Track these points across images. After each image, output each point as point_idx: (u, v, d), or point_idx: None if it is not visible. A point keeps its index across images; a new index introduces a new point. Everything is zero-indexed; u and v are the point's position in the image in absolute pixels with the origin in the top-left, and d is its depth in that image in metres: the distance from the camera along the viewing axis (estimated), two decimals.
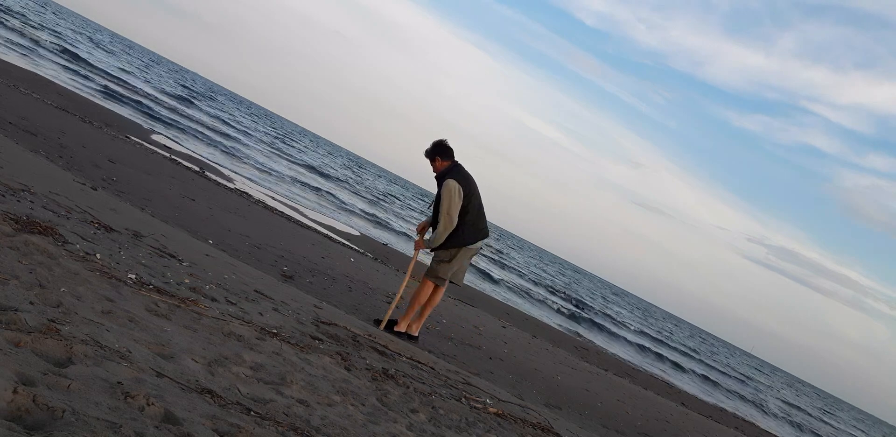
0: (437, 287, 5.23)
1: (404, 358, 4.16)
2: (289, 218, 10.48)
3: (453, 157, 5.21)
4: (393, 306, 5.29)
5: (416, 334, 5.25)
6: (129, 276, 3.26)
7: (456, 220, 5.03)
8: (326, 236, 10.54)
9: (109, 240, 3.80)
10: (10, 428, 1.57)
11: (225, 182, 11.80)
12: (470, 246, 5.18)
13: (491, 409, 3.74)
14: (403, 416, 2.98)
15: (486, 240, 5.32)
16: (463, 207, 5.03)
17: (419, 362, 4.21)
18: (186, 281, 3.68)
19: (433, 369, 4.21)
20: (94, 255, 3.35)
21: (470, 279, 16.37)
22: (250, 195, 11.26)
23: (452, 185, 5.01)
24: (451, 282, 5.32)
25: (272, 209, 10.62)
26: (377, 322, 5.21)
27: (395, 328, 5.16)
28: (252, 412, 2.26)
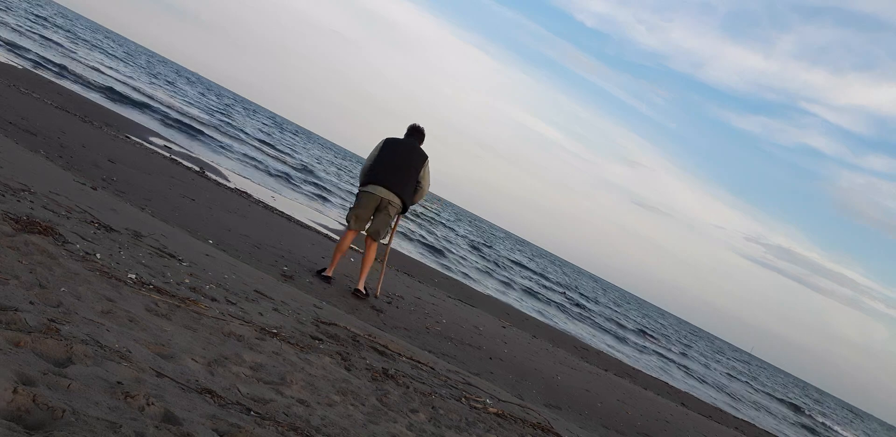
0: (347, 231, 6.10)
1: (404, 358, 4.16)
2: (289, 218, 10.48)
3: (412, 133, 6.27)
4: (381, 276, 6.55)
5: (363, 290, 6.08)
6: (129, 276, 3.26)
7: (367, 163, 6.13)
8: (326, 236, 10.54)
9: (109, 240, 3.79)
10: (9, 428, 1.57)
11: (225, 182, 11.80)
12: (368, 191, 5.98)
13: (491, 409, 3.74)
14: (403, 416, 2.98)
15: (391, 198, 5.98)
16: (374, 156, 6.07)
17: (419, 362, 4.21)
18: (186, 281, 3.68)
19: (433, 369, 4.21)
20: (94, 255, 3.35)
21: (472, 279, 16.36)
22: (250, 195, 11.26)
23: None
24: (368, 236, 6.12)
25: (272, 209, 10.62)
26: (323, 276, 6.13)
27: (324, 273, 6.13)
28: (252, 412, 2.26)
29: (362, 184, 6.10)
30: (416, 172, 6.05)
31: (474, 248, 29.43)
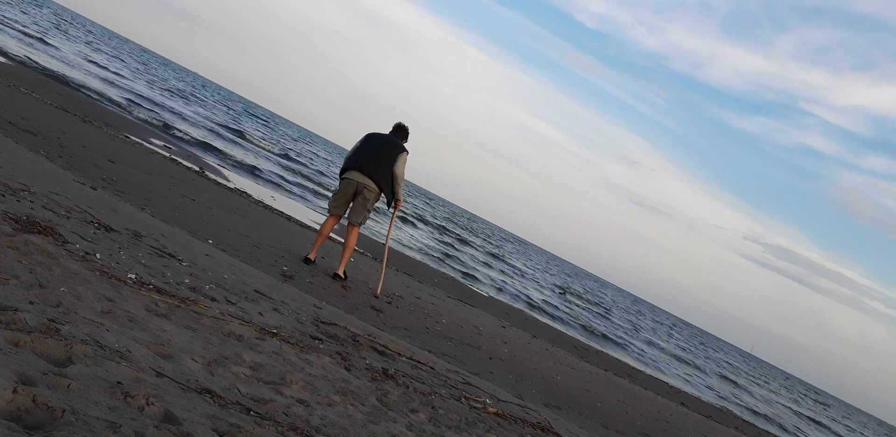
0: (330, 217, 6.49)
1: (404, 358, 4.16)
2: (288, 218, 10.48)
3: (395, 130, 6.62)
4: (381, 272, 6.70)
5: (342, 274, 6.40)
6: (129, 276, 3.26)
7: (347, 154, 6.46)
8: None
9: (109, 240, 3.79)
10: (9, 428, 1.57)
11: (225, 182, 11.80)
12: (345, 177, 6.36)
13: (491, 409, 3.74)
14: (403, 416, 2.98)
15: (366, 182, 6.30)
16: (355, 147, 6.45)
17: (419, 362, 4.21)
18: (186, 281, 3.68)
19: (433, 369, 4.21)
20: (94, 255, 3.35)
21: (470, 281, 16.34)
22: (250, 195, 11.26)
23: None
24: (349, 222, 6.43)
25: (272, 209, 10.62)
26: (305, 259, 6.52)
27: (306, 256, 6.54)
28: (252, 412, 2.26)
29: (340, 172, 6.49)
30: (392, 161, 6.31)
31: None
